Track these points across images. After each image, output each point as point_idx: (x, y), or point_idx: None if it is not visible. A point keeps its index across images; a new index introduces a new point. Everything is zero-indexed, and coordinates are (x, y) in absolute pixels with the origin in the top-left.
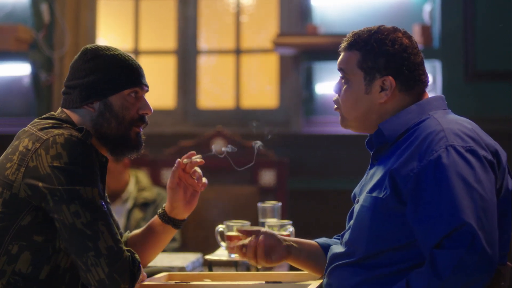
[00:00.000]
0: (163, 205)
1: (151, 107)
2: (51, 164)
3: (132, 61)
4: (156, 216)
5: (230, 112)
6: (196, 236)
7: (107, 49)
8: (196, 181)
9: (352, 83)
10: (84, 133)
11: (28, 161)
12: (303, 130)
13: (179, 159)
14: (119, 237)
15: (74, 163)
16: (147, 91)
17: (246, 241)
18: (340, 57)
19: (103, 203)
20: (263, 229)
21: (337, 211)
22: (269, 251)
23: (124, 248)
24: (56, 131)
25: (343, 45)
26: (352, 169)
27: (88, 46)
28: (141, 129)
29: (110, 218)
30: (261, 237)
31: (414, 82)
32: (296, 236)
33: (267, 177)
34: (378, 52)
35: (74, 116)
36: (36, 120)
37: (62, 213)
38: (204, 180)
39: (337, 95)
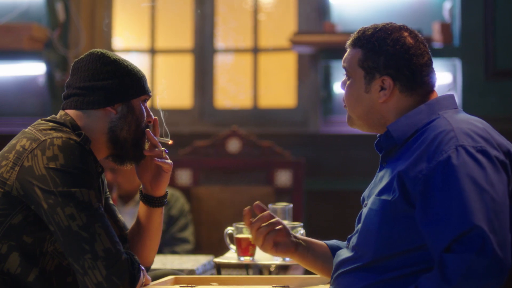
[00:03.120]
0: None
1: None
2: (46, 165)
3: (139, 69)
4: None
5: (248, 112)
6: (210, 238)
7: (115, 54)
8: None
9: (354, 81)
10: (82, 137)
11: (24, 160)
12: (321, 130)
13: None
14: (118, 239)
15: (70, 165)
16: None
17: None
18: (345, 54)
19: (100, 206)
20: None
21: (355, 212)
22: (277, 240)
23: (123, 250)
24: (55, 134)
25: (349, 41)
26: (370, 170)
27: (96, 50)
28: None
29: (107, 220)
30: (275, 219)
31: (416, 83)
32: (312, 237)
33: (283, 177)
34: (379, 51)
35: (83, 118)
36: (37, 121)
37: (57, 215)
38: (169, 162)
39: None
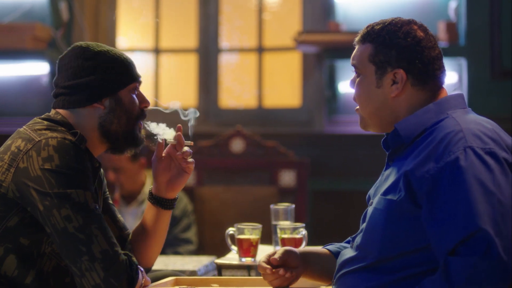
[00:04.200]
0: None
1: (148, 100)
2: (42, 166)
3: (126, 55)
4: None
5: (252, 112)
6: (213, 238)
7: (98, 45)
8: (184, 161)
9: (364, 77)
10: (78, 137)
11: (19, 161)
12: (326, 130)
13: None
14: (115, 241)
15: (65, 166)
16: (141, 83)
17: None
18: (354, 51)
19: (97, 207)
20: (287, 250)
21: (359, 212)
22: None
23: (121, 251)
24: (50, 134)
25: (357, 38)
26: (375, 170)
27: (78, 44)
28: (142, 124)
29: (104, 221)
30: (289, 274)
31: (428, 76)
32: (317, 238)
33: (287, 177)
34: (390, 45)
35: (72, 117)
36: (33, 120)
37: (53, 217)
38: (191, 160)
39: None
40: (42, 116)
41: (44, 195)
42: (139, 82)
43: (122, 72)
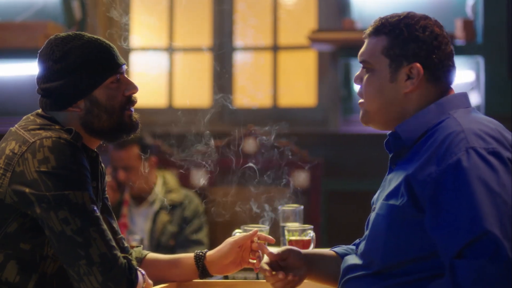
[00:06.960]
0: (205, 250)
1: (135, 84)
2: (38, 169)
3: (103, 43)
4: (190, 255)
5: (267, 111)
6: (225, 239)
7: (70, 40)
8: (253, 259)
9: (376, 71)
10: (73, 135)
11: (15, 165)
12: (341, 129)
13: (256, 230)
14: (114, 243)
15: (62, 167)
16: (126, 69)
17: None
18: (363, 46)
19: (95, 208)
20: (289, 248)
21: None
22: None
23: (120, 254)
24: (44, 133)
25: (368, 31)
26: None
27: (52, 38)
28: (132, 110)
29: (103, 223)
30: (290, 276)
31: (443, 72)
32: (330, 239)
33: (300, 178)
34: (408, 38)
35: (56, 117)
36: (26, 117)
37: (51, 220)
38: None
39: (359, 87)
40: (33, 113)
41: (41, 197)
42: (120, 72)
43: (95, 71)
